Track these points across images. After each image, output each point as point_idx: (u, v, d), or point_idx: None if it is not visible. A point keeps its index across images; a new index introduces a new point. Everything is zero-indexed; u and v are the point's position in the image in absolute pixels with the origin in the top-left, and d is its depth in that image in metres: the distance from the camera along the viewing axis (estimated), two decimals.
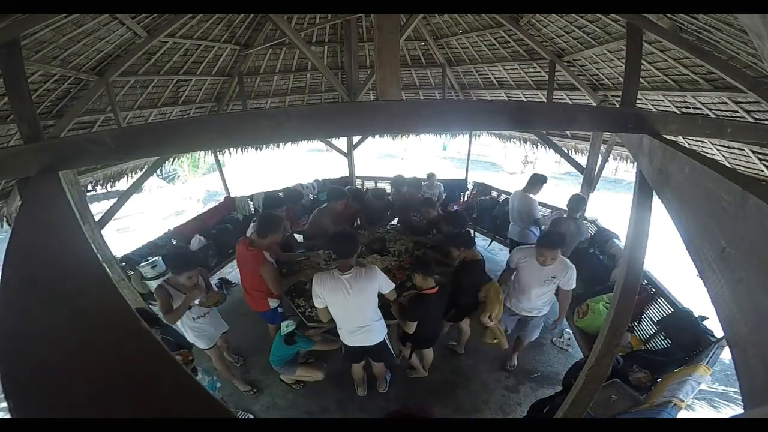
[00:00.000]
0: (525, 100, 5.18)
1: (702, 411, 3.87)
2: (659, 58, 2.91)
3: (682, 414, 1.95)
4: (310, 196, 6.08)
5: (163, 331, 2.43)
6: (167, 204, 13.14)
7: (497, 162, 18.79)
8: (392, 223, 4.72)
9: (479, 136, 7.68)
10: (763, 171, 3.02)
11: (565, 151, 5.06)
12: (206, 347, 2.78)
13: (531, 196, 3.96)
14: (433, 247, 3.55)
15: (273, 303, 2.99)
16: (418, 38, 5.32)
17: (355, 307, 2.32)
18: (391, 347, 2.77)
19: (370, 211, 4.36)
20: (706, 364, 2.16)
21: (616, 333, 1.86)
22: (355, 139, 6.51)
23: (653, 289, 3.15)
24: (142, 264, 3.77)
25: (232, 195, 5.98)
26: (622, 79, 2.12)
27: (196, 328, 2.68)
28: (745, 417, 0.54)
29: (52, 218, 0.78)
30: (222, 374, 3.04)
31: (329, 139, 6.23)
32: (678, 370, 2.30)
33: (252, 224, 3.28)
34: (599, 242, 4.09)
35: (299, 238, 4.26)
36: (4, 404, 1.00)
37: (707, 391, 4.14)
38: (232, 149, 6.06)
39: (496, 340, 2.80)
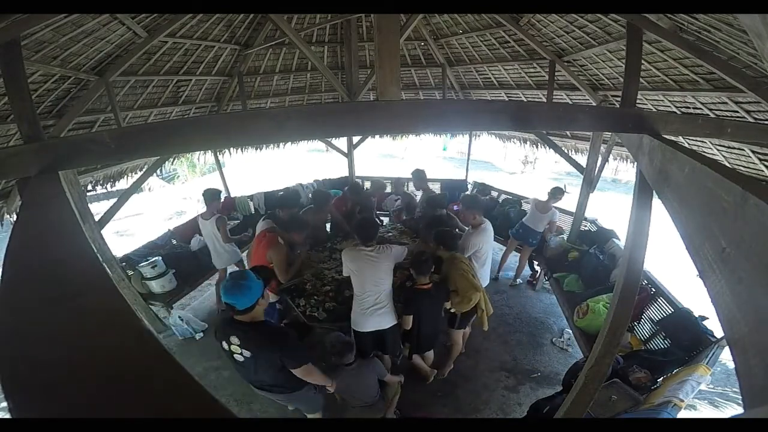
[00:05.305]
0: (525, 100, 5.18)
1: (702, 411, 3.87)
2: (659, 58, 2.91)
3: (682, 414, 1.95)
4: (310, 195, 6.08)
5: None
6: (167, 204, 13.15)
7: (497, 162, 18.80)
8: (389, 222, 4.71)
9: (479, 136, 7.68)
10: (763, 171, 3.02)
11: (565, 151, 5.06)
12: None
13: None
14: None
15: (272, 297, 2.98)
16: (418, 38, 5.32)
17: (373, 278, 2.54)
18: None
19: (364, 207, 4.37)
20: (706, 364, 2.16)
21: (616, 333, 1.86)
22: (355, 139, 6.51)
23: (653, 289, 3.15)
24: (142, 264, 3.77)
25: (232, 195, 5.98)
26: (622, 79, 2.12)
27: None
28: (745, 417, 0.54)
29: (52, 218, 0.78)
30: None
31: (329, 139, 6.24)
32: (678, 370, 2.30)
33: (261, 221, 3.31)
34: (599, 242, 4.09)
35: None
36: (4, 404, 1.00)
37: (707, 391, 4.14)
38: (232, 149, 6.06)
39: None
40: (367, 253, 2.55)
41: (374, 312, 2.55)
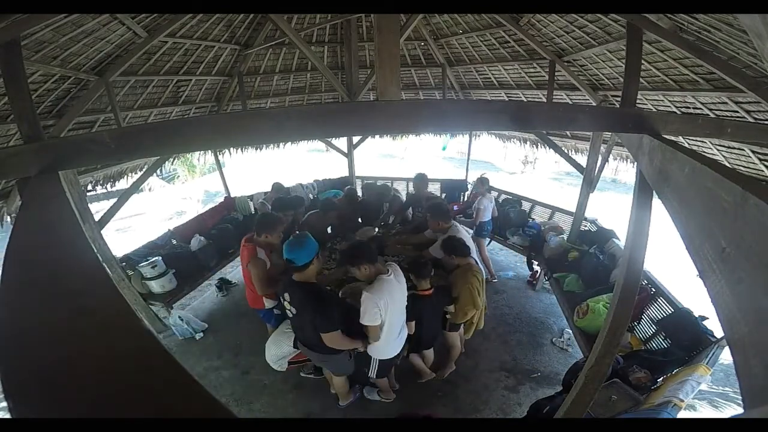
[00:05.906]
0: (525, 100, 5.17)
1: (702, 411, 3.87)
2: (659, 58, 2.91)
3: (682, 414, 1.95)
4: (310, 196, 6.07)
5: None
6: (167, 204, 13.15)
7: (497, 162, 18.80)
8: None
9: (479, 136, 7.68)
10: (763, 171, 3.01)
11: (565, 151, 5.06)
12: None
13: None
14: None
15: (269, 303, 2.96)
16: (418, 38, 5.32)
17: (402, 305, 2.40)
18: None
19: (366, 211, 4.38)
20: (706, 364, 2.16)
21: (616, 333, 1.86)
22: (355, 139, 6.51)
23: (653, 289, 3.14)
24: (142, 264, 3.77)
25: (232, 195, 5.98)
26: (622, 79, 2.12)
27: None
28: (745, 417, 0.54)
29: (52, 218, 0.78)
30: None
31: (329, 139, 6.23)
32: (678, 370, 2.30)
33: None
34: (599, 242, 4.09)
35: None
36: (4, 404, 1.00)
37: (707, 391, 4.13)
38: (232, 149, 6.06)
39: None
40: (392, 281, 2.27)
41: (400, 334, 2.48)
